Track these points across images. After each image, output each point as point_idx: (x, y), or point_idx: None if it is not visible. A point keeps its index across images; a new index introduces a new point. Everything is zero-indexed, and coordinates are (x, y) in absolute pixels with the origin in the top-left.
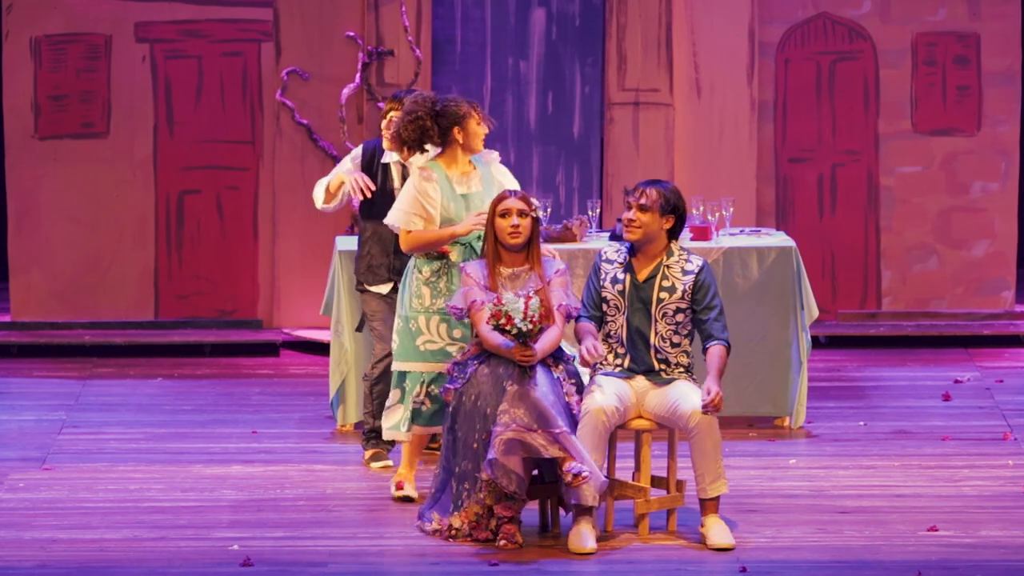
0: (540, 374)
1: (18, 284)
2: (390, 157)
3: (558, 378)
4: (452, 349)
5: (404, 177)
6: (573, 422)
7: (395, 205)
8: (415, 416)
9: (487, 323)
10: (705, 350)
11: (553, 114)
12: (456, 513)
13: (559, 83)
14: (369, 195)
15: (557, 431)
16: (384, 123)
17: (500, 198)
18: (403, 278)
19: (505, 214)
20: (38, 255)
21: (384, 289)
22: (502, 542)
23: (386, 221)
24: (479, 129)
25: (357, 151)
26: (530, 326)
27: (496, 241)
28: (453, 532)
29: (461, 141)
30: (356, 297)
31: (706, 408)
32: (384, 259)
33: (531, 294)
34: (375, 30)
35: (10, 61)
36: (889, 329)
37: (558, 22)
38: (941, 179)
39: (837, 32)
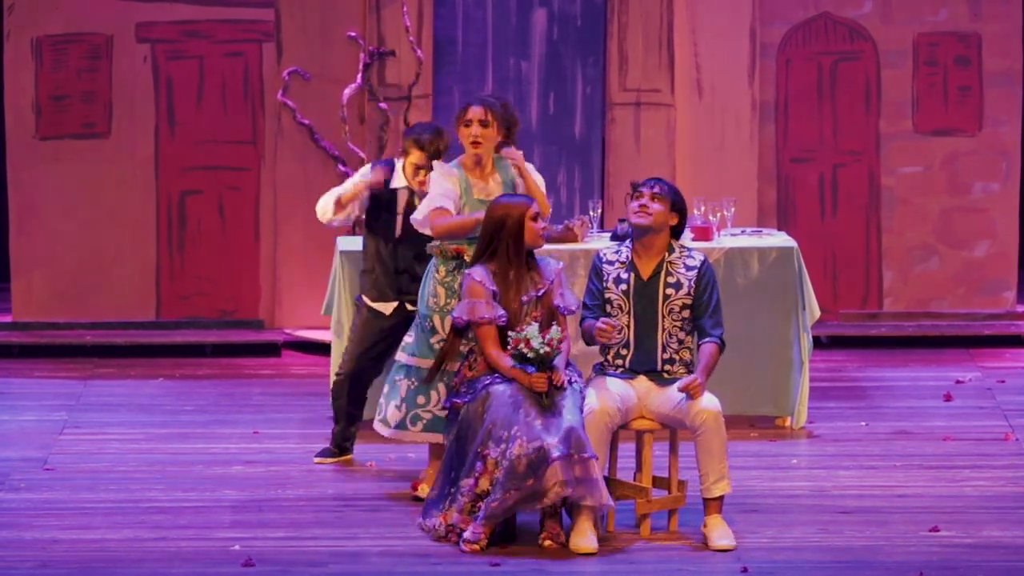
0: (570, 394)
1: (19, 284)
2: (399, 183)
3: (580, 390)
4: (464, 349)
5: (409, 204)
6: None
7: (421, 203)
8: (436, 424)
9: (507, 351)
10: (699, 346)
11: (554, 114)
12: (439, 514)
13: (560, 83)
14: (380, 186)
15: (588, 455)
16: (402, 162)
17: (528, 203)
18: (423, 277)
19: (535, 218)
20: (39, 255)
21: (388, 309)
22: (467, 535)
23: (413, 217)
24: (463, 132)
25: (368, 168)
26: (547, 349)
27: (514, 245)
28: (435, 532)
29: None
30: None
31: (683, 388)
32: (389, 279)
33: (549, 328)
34: (376, 30)
35: (11, 61)
36: (890, 329)
37: (559, 22)
38: (942, 179)
39: (838, 32)
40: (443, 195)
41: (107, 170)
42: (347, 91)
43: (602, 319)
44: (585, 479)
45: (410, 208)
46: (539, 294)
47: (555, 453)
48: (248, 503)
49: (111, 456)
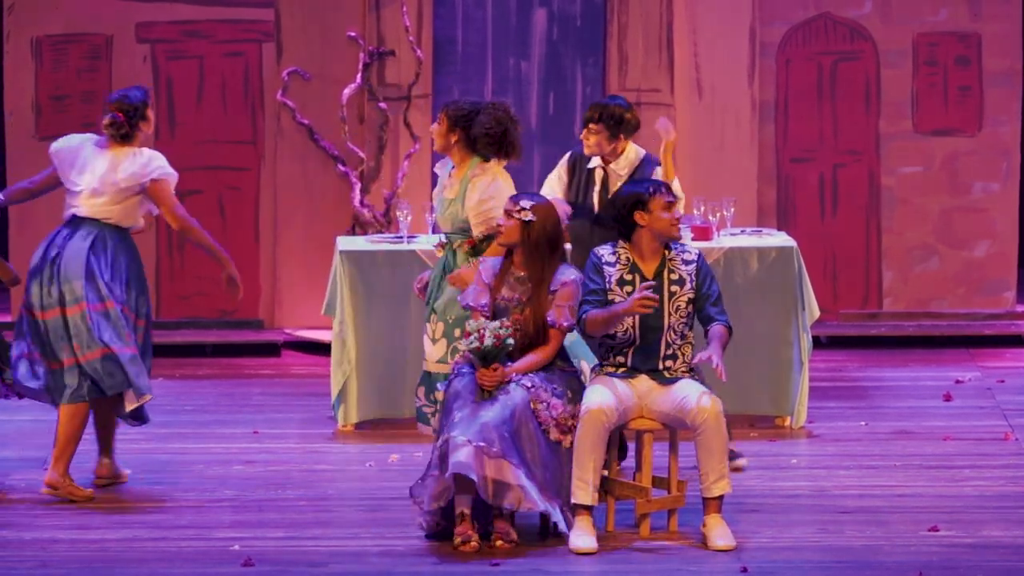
0: (510, 393)
1: (19, 284)
2: (595, 162)
3: (525, 388)
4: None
5: (604, 183)
6: (548, 445)
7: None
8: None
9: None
10: (707, 331)
11: (554, 114)
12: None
13: (560, 83)
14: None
15: (496, 451)
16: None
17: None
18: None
19: (508, 214)
20: None
21: None
22: (458, 540)
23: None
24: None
25: (564, 159)
26: (477, 344)
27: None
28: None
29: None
30: (358, 296)
31: (699, 360)
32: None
33: (507, 321)
34: (376, 30)
35: (11, 61)
36: (890, 329)
37: (559, 22)
38: (942, 179)
39: (838, 32)
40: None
41: None
42: (347, 91)
43: (637, 291)
44: (498, 481)
45: (604, 187)
46: (522, 298)
47: (458, 440)
48: (248, 503)
49: None
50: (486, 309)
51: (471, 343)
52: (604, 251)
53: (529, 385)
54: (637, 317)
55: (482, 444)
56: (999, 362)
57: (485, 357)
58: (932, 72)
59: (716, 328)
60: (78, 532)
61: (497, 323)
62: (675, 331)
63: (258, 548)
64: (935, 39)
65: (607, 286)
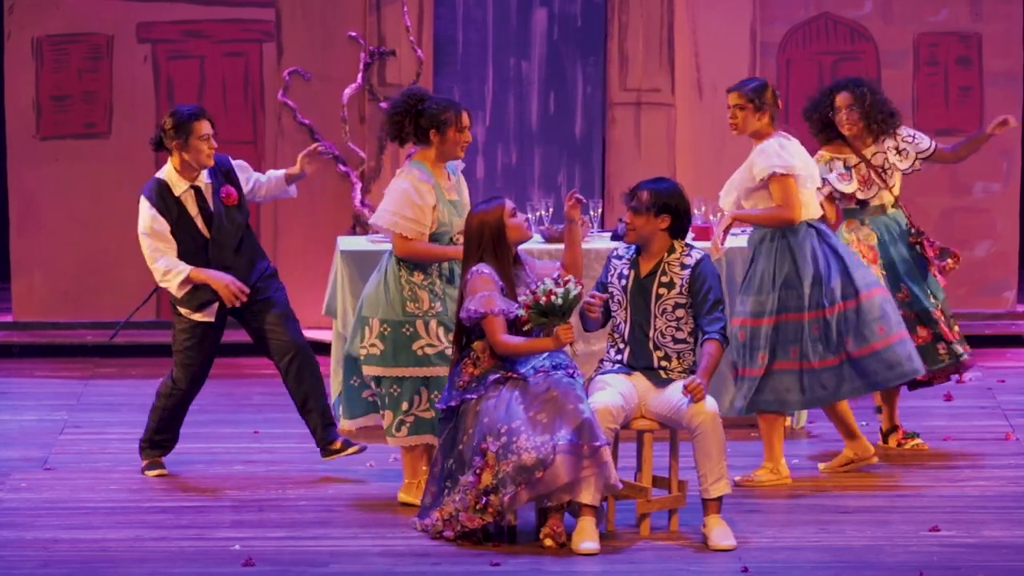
0: (563, 384)
1: (20, 284)
2: None
3: (574, 380)
4: (449, 352)
5: None
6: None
7: (387, 207)
8: (421, 426)
9: (525, 313)
10: (701, 345)
11: (555, 114)
12: (436, 509)
13: (561, 83)
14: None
15: (598, 444)
16: None
17: (501, 204)
18: (379, 282)
19: (515, 213)
20: (40, 255)
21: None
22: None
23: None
24: (458, 138)
25: None
26: (577, 290)
27: (499, 247)
28: (432, 528)
29: (436, 144)
30: (358, 296)
31: (686, 389)
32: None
33: (558, 279)
34: (377, 30)
35: (12, 61)
36: None
37: (560, 22)
38: (943, 179)
39: (839, 32)
40: (419, 220)
41: (108, 170)
42: (347, 91)
43: (590, 292)
44: (596, 462)
45: None
46: (530, 286)
47: (561, 442)
48: (248, 503)
49: (111, 456)
50: (515, 313)
51: (569, 293)
52: (621, 247)
53: (581, 377)
54: (627, 313)
55: (592, 443)
56: (1000, 362)
57: (571, 308)
58: (933, 72)
59: (705, 346)
60: (80, 532)
61: (570, 277)
62: (662, 333)
63: (259, 548)
64: (936, 39)
65: (606, 279)
